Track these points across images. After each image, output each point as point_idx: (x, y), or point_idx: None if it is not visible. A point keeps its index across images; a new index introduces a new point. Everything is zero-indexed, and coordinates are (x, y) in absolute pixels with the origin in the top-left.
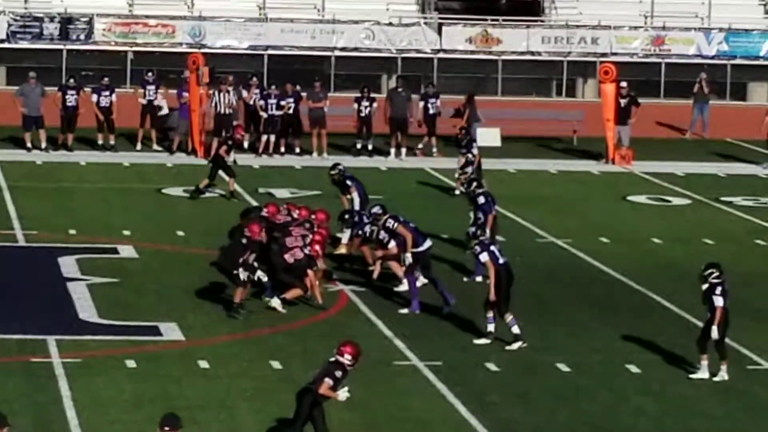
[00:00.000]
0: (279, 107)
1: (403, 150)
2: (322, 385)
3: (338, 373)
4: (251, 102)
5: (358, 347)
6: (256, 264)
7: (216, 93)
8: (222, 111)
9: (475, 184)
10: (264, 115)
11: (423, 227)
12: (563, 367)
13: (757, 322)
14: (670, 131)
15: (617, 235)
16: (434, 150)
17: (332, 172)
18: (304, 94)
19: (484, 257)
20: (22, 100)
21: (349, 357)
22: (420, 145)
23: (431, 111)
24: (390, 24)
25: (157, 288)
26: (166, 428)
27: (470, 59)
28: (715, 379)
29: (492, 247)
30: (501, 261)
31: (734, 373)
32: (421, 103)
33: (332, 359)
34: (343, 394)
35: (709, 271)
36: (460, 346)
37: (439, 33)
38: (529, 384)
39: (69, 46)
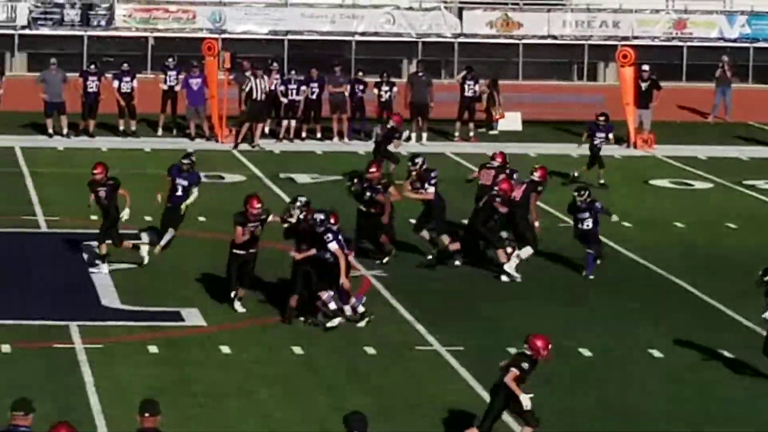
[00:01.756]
0: (299, 92)
1: (424, 135)
2: (509, 374)
3: (525, 365)
4: (272, 87)
5: (548, 339)
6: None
7: (253, 79)
8: (258, 97)
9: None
10: (284, 100)
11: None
12: (585, 352)
13: None
14: (692, 115)
15: (639, 220)
16: (471, 134)
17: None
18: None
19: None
20: (44, 86)
21: (538, 348)
22: (457, 133)
23: (467, 94)
24: (410, 8)
25: (178, 273)
26: (146, 415)
27: (491, 43)
28: None
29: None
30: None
31: (756, 357)
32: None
33: (520, 351)
34: (526, 399)
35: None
36: (482, 330)
37: (460, 17)
38: (551, 368)
39: (90, 32)
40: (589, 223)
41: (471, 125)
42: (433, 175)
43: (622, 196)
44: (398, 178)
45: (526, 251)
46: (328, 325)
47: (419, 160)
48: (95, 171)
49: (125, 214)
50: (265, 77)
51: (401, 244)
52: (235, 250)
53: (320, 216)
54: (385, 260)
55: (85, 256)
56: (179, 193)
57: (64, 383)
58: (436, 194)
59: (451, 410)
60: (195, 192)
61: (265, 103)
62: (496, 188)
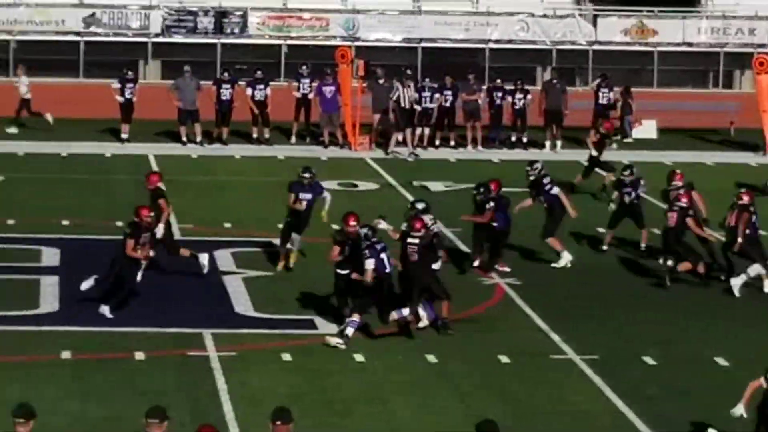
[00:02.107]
0: (432, 100)
1: (558, 142)
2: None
3: None
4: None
5: None
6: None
7: (400, 87)
8: (406, 105)
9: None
10: (418, 108)
11: (575, 220)
12: (722, 362)
13: None
14: None
15: None
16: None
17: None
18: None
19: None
20: (178, 94)
21: None
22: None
23: (601, 101)
24: (545, 16)
25: (312, 281)
26: (278, 423)
27: (626, 51)
28: None
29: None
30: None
31: None
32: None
33: None
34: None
35: None
36: (617, 339)
37: (594, 25)
38: (688, 378)
39: (223, 40)
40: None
41: None
42: (546, 181)
43: (760, 204)
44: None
45: (754, 269)
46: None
47: (538, 165)
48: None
49: (159, 230)
50: (411, 86)
51: (533, 252)
52: (337, 270)
53: (364, 230)
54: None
55: (219, 263)
56: (303, 207)
57: (197, 391)
58: (556, 198)
59: (585, 418)
60: (327, 195)
61: (410, 112)
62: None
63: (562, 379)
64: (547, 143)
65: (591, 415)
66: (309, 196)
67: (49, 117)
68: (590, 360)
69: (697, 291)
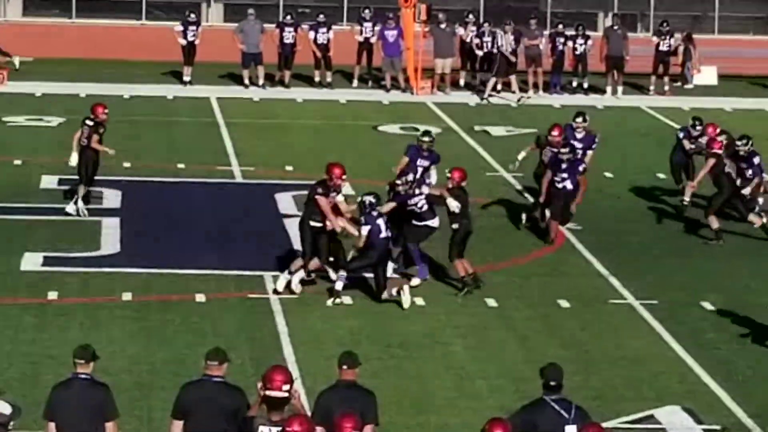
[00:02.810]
0: (494, 45)
1: (620, 88)
2: None
3: None
4: (468, 40)
5: None
6: None
7: (500, 32)
8: (507, 51)
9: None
10: (479, 53)
11: (636, 166)
12: None
13: None
14: None
15: None
16: (666, 88)
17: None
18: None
19: None
20: (241, 36)
21: None
22: (651, 87)
23: (662, 48)
24: None
25: None
26: (344, 367)
27: None
28: None
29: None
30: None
31: None
32: (654, 39)
33: None
34: None
35: None
36: (676, 285)
37: None
38: (746, 324)
39: None
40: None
41: (666, 79)
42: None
43: None
44: None
45: None
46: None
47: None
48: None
49: (73, 159)
50: (509, 33)
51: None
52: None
53: (369, 198)
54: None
55: (280, 206)
56: (417, 175)
57: (258, 333)
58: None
59: (644, 363)
60: (434, 174)
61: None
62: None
63: (622, 323)
64: (608, 89)
65: (650, 360)
66: (426, 163)
67: (16, 60)
68: (649, 305)
69: (753, 240)
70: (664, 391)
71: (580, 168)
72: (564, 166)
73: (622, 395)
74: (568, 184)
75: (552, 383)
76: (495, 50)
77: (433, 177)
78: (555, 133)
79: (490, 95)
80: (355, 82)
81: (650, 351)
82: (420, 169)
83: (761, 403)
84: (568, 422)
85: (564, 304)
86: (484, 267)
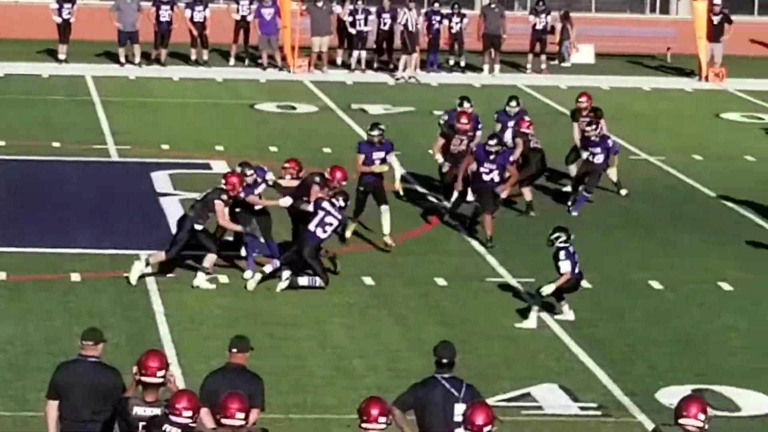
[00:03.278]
0: (367, 23)
1: (497, 66)
2: None
3: None
4: (344, 18)
5: None
6: None
7: (406, 11)
8: (412, 29)
9: None
10: (352, 31)
11: None
12: (656, 285)
13: None
14: (763, 49)
15: (710, 153)
16: (543, 66)
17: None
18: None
19: None
20: (117, 15)
21: None
22: (528, 65)
23: (538, 26)
24: None
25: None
26: (234, 350)
27: None
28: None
29: None
30: None
31: None
32: (531, 18)
33: None
34: None
35: (556, 235)
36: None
37: None
38: (622, 301)
39: None
40: (600, 158)
41: (543, 57)
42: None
43: (693, 129)
44: None
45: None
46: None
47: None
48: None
49: None
50: (414, 10)
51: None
52: None
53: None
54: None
55: (156, 185)
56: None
57: (134, 313)
58: None
59: (521, 341)
60: (396, 165)
61: (413, 34)
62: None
63: (498, 302)
64: (485, 67)
65: (526, 338)
66: (381, 154)
67: None
68: (526, 283)
69: (634, 214)
70: (540, 369)
71: (510, 158)
72: (492, 157)
73: (499, 373)
74: (495, 176)
75: (444, 361)
76: (402, 28)
77: (395, 165)
78: (464, 121)
79: (402, 76)
80: (232, 61)
81: (526, 329)
82: (377, 161)
83: (637, 381)
84: (457, 401)
85: (441, 282)
86: (362, 246)
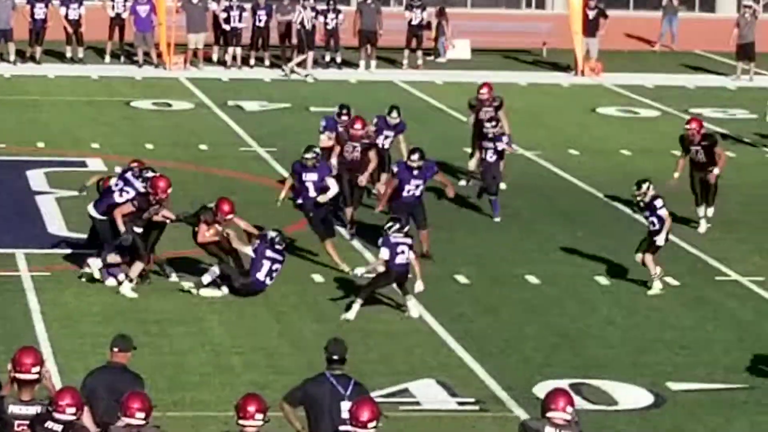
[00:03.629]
0: (242, 19)
1: (373, 62)
2: None
3: None
4: (219, 14)
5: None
6: None
7: (301, 9)
8: (308, 26)
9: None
10: (227, 27)
11: None
12: (532, 279)
13: (726, 233)
14: (639, 43)
15: (586, 147)
16: (419, 62)
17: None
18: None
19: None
20: None
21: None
22: (405, 60)
23: (414, 22)
24: None
25: None
26: (115, 350)
27: None
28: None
29: None
30: None
31: (703, 285)
32: (407, 14)
33: None
34: None
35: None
36: (430, 258)
37: None
38: (499, 296)
39: None
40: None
41: (419, 53)
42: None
43: (569, 123)
44: None
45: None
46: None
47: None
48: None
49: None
50: (309, 8)
51: None
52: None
53: (272, 234)
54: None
55: (32, 183)
56: (311, 193)
57: (9, 311)
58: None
59: (398, 337)
60: (332, 184)
61: (311, 32)
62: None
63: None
64: (361, 63)
65: (403, 334)
66: (315, 177)
67: None
68: None
69: (508, 207)
70: (418, 364)
71: (431, 173)
72: (416, 173)
73: (376, 370)
74: (417, 192)
75: (334, 357)
76: (299, 27)
77: (332, 190)
78: (357, 126)
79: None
80: (107, 58)
81: (404, 325)
82: (309, 184)
83: (514, 376)
84: (344, 398)
85: (318, 278)
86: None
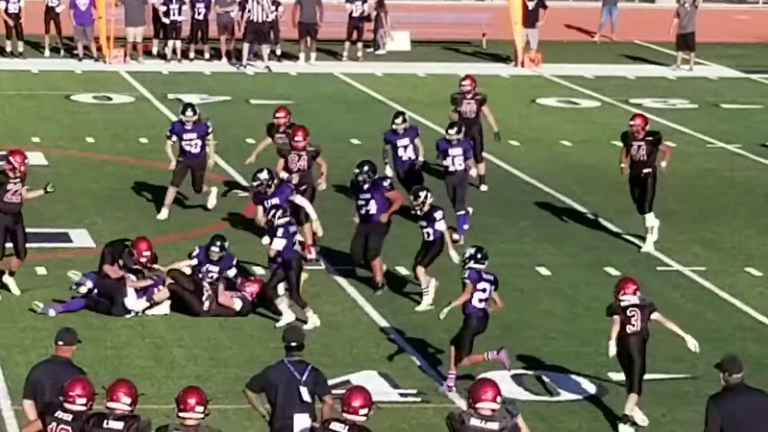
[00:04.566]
0: (181, 12)
1: (313, 54)
2: None
3: None
4: (158, 8)
5: None
6: None
7: (254, 1)
8: (258, 19)
9: None
10: (166, 20)
11: (330, 133)
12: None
13: (666, 223)
14: (578, 34)
15: (527, 138)
16: (359, 54)
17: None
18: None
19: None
20: None
21: None
22: (345, 53)
23: (355, 14)
24: None
25: (66, 194)
26: (60, 343)
27: None
28: None
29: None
30: None
31: (644, 275)
32: (348, 5)
33: None
34: None
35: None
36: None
37: None
38: (440, 287)
39: None
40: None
41: (359, 45)
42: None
43: (510, 114)
44: None
45: None
46: None
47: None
48: None
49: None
50: (265, 1)
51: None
52: None
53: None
54: None
55: None
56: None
57: None
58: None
59: (340, 328)
60: (301, 200)
61: (265, 25)
62: None
63: (317, 290)
64: (302, 55)
65: (345, 325)
66: (277, 200)
67: None
68: (343, 270)
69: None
70: (360, 356)
71: (385, 184)
72: (366, 187)
73: (318, 361)
74: (372, 209)
75: (292, 344)
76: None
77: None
78: (298, 138)
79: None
80: (47, 52)
81: (345, 317)
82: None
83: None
84: (300, 383)
85: (260, 271)
86: (178, 235)
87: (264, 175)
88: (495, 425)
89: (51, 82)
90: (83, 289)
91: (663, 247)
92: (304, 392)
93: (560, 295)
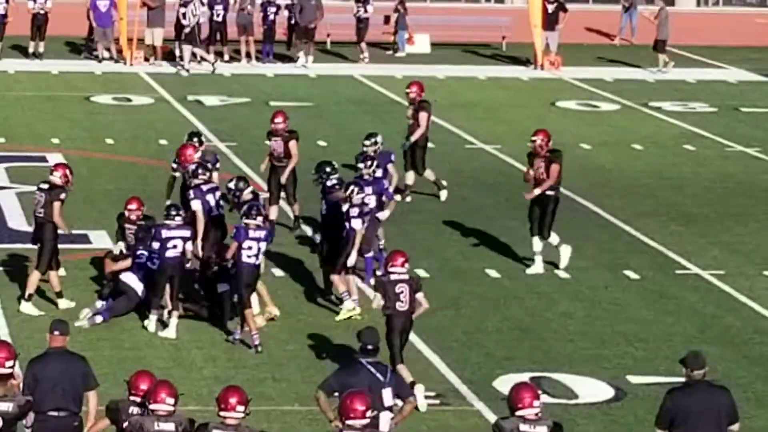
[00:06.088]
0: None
1: (310, 58)
2: None
3: None
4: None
5: None
6: None
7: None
8: (217, 18)
9: None
10: (185, 23)
11: (349, 135)
12: (492, 273)
13: (685, 227)
14: (598, 37)
15: None
16: (363, 56)
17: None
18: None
19: None
20: None
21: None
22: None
23: (362, 16)
24: None
25: (86, 196)
26: (56, 333)
27: None
28: None
29: None
30: None
31: (663, 278)
32: (355, 8)
33: None
34: None
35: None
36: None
37: None
38: (459, 290)
39: None
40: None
41: (363, 46)
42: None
43: (529, 117)
44: None
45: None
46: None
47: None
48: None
49: None
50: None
51: None
52: None
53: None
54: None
55: None
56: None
57: None
58: None
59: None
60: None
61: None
62: None
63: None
64: (300, 58)
65: (361, 327)
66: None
67: None
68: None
69: (468, 201)
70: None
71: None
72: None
73: (334, 363)
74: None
75: (369, 347)
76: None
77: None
78: (278, 120)
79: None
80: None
81: (363, 318)
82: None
83: (475, 369)
84: (384, 386)
85: (278, 273)
86: None
87: (232, 185)
88: (544, 428)
89: (71, 84)
90: (98, 319)
91: (681, 250)
92: (388, 394)
93: (579, 298)
